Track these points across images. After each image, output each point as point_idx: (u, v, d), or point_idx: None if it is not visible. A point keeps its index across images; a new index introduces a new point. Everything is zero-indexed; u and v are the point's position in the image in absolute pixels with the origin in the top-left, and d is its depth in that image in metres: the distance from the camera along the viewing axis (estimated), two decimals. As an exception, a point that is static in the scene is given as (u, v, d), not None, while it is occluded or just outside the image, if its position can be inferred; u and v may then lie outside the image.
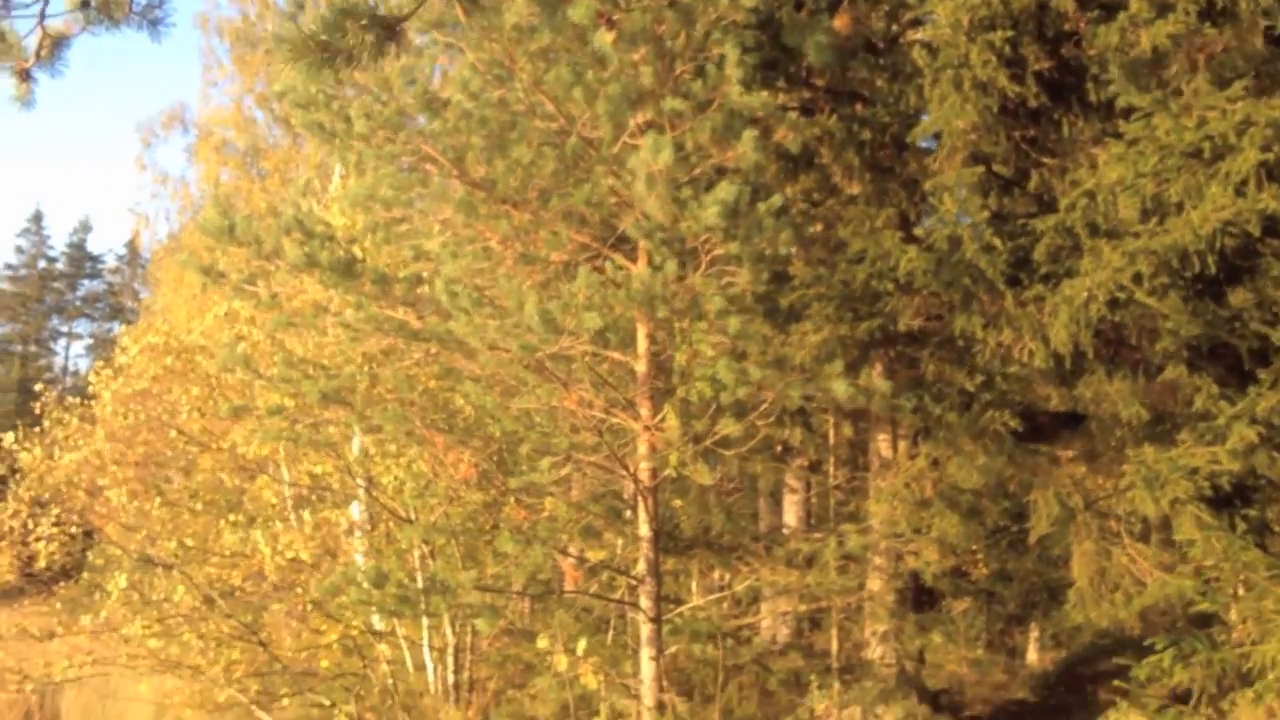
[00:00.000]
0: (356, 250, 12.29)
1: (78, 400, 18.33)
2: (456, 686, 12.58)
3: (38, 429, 17.29)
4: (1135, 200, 8.70)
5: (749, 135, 9.39)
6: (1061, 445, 11.58)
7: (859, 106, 11.65)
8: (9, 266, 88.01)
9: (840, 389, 9.43)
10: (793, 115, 11.16)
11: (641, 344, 10.66)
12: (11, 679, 13.72)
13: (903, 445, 12.17)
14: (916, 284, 9.88)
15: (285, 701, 13.47)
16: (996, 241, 9.73)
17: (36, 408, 17.94)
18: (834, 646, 12.73)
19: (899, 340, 10.99)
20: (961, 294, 9.76)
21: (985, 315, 9.83)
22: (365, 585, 10.22)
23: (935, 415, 10.28)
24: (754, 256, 9.62)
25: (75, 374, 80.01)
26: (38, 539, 15.20)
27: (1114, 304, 8.83)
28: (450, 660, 12.72)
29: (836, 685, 11.56)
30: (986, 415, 10.33)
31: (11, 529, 15.39)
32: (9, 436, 16.67)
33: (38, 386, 18.99)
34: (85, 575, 15.98)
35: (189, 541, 14.55)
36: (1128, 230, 8.79)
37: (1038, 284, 9.69)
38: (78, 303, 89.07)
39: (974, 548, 13.32)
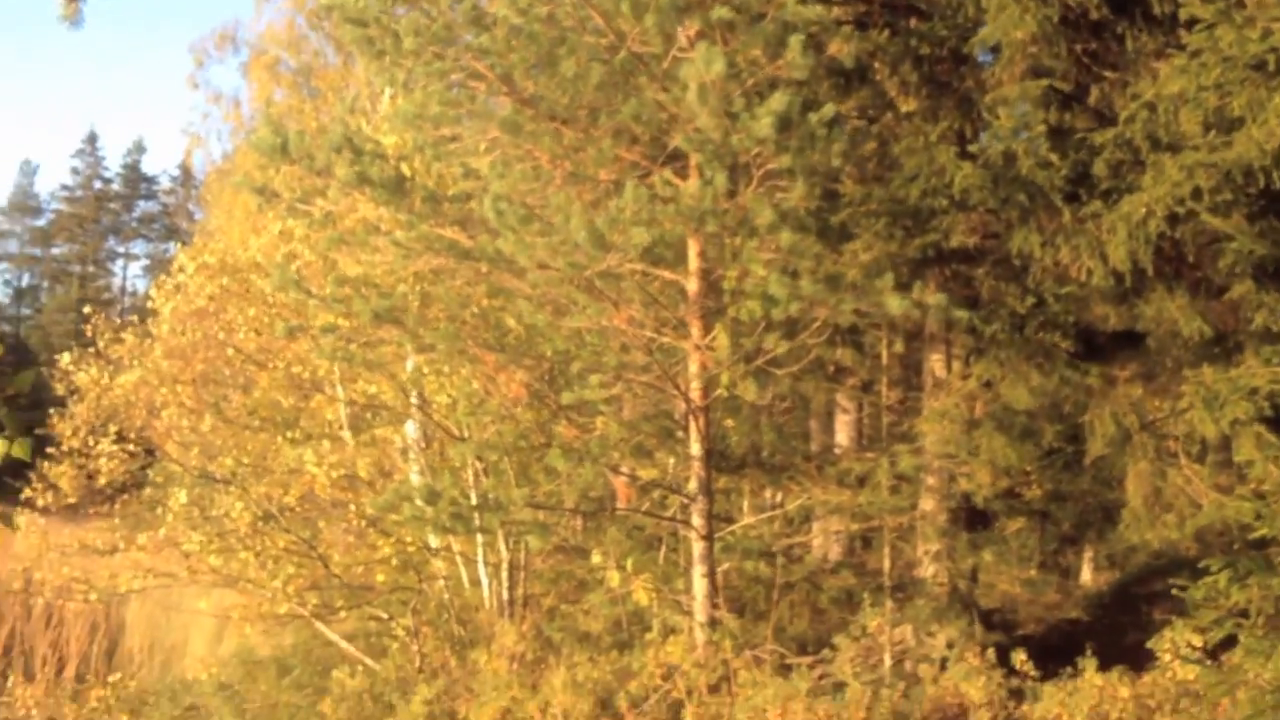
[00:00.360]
0: (406, 168, 12.25)
1: (135, 319, 18.53)
2: (510, 602, 12.72)
3: (92, 349, 17.50)
4: (1197, 114, 8.48)
5: (796, 41, 9.17)
6: (1118, 365, 11.44)
7: (915, 20, 11.40)
8: (65, 188, 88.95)
9: (894, 304, 9.31)
10: (847, 29, 10.95)
11: (692, 261, 10.58)
12: (78, 589, 14.03)
13: (956, 365, 12.04)
14: (971, 201, 9.73)
15: (343, 615, 13.69)
16: (1054, 157, 9.55)
17: (88, 330, 18.13)
18: (886, 565, 12.72)
19: (953, 258, 10.84)
20: (1018, 211, 9.60)
21: (1042, 233, 9.67)
22: (419, 502, 10.31)
23: (989, 335, 10.17)
24: (806, 171, 9.46)
25: (133, 294, 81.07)
26: (98, 457, 15.44)
27: (1174, 219, 8.66)
28: (504, 576, 12.85)
29: (888, 603, 11.56)
30: (1041, 335, 10.20)
31: (72, 448, 15.65)
32: (65, 357, 16.89)
33: (87, 309, 19.17)
34: (147, 492, 16.23)
35: (246, 460, 14.74)
36: (1188, 144, 8.58)
37: (1096, 200, 9.51)
38: (134, 224, 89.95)
39: (1027, 469, 13.21)
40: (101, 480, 14.88)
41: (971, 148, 10.87)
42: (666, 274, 10.60)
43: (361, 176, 10.99)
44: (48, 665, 14.05)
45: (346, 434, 14.54)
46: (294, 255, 13.94)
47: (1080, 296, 10.58)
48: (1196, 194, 8.39)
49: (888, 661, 11.14)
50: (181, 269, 16.13)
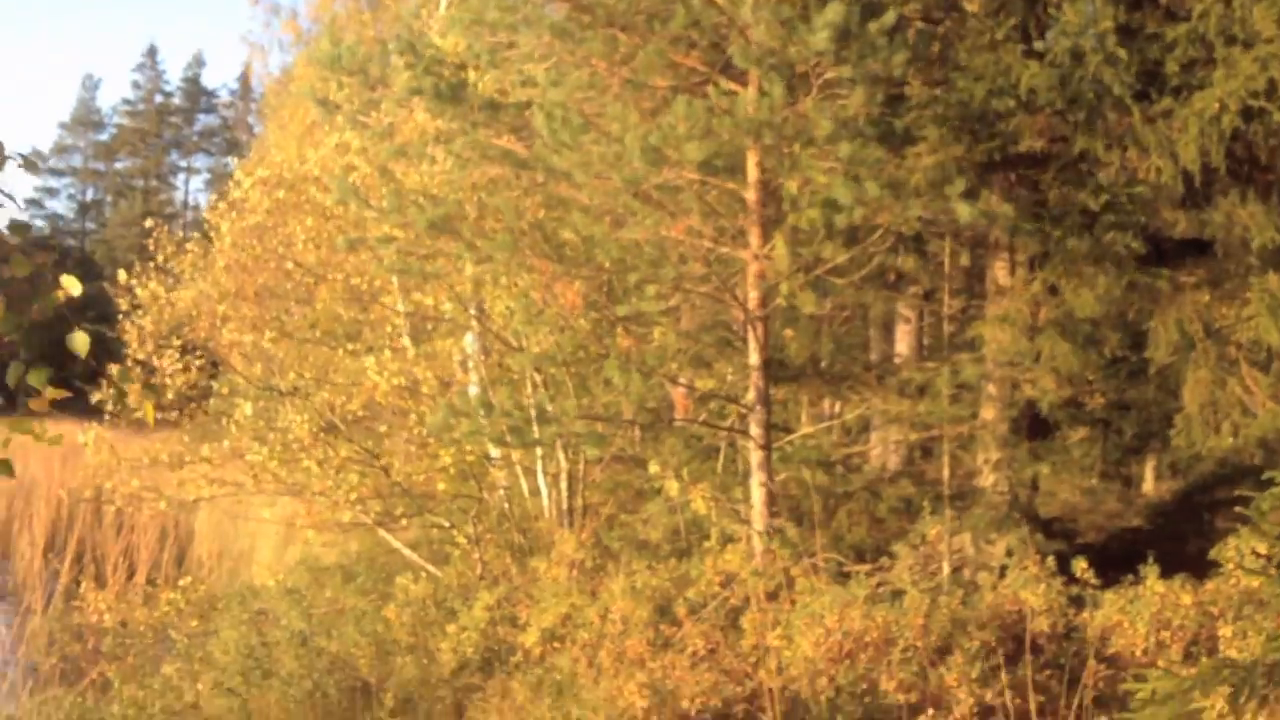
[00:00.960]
0: (465, 76, 12.14)
1: (196, 235, 18.64)
2: (570, 511, 12.79)
3: (152, 263, 17.63)
4: (1272, 10, 8.20)
5: (854, -56, 8.95)
6: (1185, 270, 11.23)
7: (978, -84, 11.08)
8: (126, 102, 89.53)
9: (963, 210, 9.14)
10: (907, -72, 10.66)
11: (750, 171, 10.45)
12: (148, 498, 14.29)
13: (1020, 271, 11.86)
14: (1038, 101, 9.49)
15: (404, 523, 13.85)
16: (1122, 53, 9.27)
17: (150, 244, 18.25)
18: (945, 474, 12.66)
19: (1019, 162, 10.62)
20: (1085, 111, 9.36)
21: (1110, 133, 9.44)
22: (476, 416, 10.35)
23: (1055, 240, 9.98)
24: (867, 79, 9.27)
25: (195, 208, 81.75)
26: (164, 373, 15.59)
27: (1247, 115, 8.41)
28: (563, 486, 12.92)
29: (947, 512, 11.52)
30: (1108, 239, 10.01)
31: (137, 363, 15.83)
32: (122, 274, 17.04)
33: (148, 222, 19.27)
34: (212, 403, 16.42)
35: (307, 373, 14.83)
36: (1262, 39, 8.31)
37: (1166, 97, 9.27)
38: (195, 137, 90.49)
39: (1090, 377, 13.05)
40: (168, 395, 15.04)
41: (1037, 46, 10.59)
42: (725, 184, 10.47)
43: (419, 85, 10.92)
44: (119, 571, 14.37)
45: (406, 342, 14.61)
46: (352, 167, 13.89)
47: (1148, 200, 10.36)
48: (1271, 89, 8.13)
49: (946, 570, 11.12)
50: (238, 184, 16.16)
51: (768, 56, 9.30)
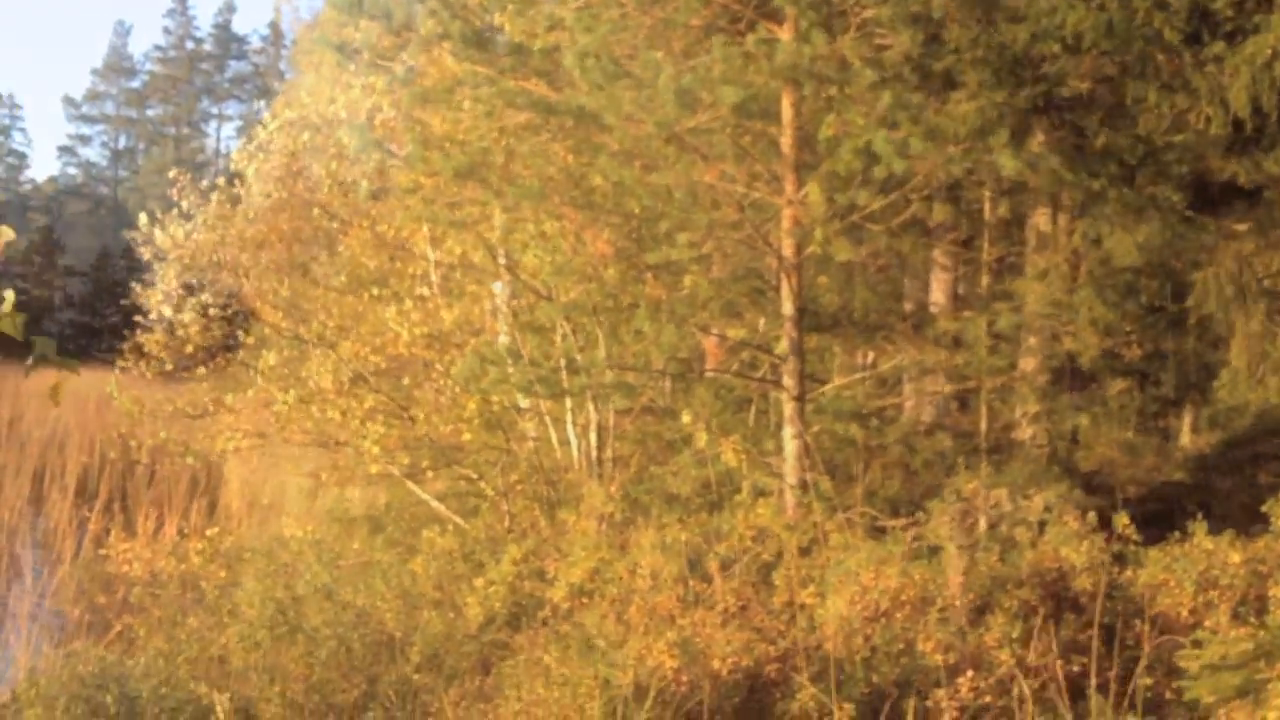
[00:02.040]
0: (490, 21, 11.87)
1: (221, 181, 18.45)
2: (599, 463, 12.64)
3: (174, 210, 17.50)
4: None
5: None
6: (1233, 219, 10.89)
7: None
8: (157, 48, 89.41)
9: (1007, 162, 8.82)
10: None
11: (785, 114, 10.15)
12: (174, 449, 14.24)
13: (1062, 220, 11.53)
14: (1085, 44, 9.13)
15: (431, 475, 13.71)
16: (1173, -5, 8.91)
17: (173, 193, 18.11)
18: (982, 427, 12.41)
19: (1064, 107, 10.25)
20: (1134, 54, 9.01)
21: (1159, 78, 9.08)
22: (505, 364, 10.16)
23: (1099, 188, 9.64)
24: (906, 19, 8.95)
25: (226, 155, 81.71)
26: (187, 325, 15.47)
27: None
28: (593, 437, 12.76)
29: (984, 466, 11.28)
30: (1154, 187, 9.68)
31: (162, 315, 15.70)
32: (143, 219, 16.91)
33: (171, 173, 19.14)
34: (239, 355, 16.28)
35: (332, 322, 14.69)
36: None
37: (1218, 41, 8.90)
38: (226, 84, 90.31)
39: (1128, 327, 12.76)
40: (189, 347, 14.92)
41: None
42: (759, 127, 10.19)
43: (445, 30, 10.65)
44: (149, 520, 14.31)
45: (428, 291, 14.43)
46: (378, 109, 13.65)
47: (1195, 147, 10.02)
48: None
49: (983, 525, 10.89)
50: (263, 125, 15.96)
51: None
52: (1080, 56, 9.33)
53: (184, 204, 17.87)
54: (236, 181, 17.34)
